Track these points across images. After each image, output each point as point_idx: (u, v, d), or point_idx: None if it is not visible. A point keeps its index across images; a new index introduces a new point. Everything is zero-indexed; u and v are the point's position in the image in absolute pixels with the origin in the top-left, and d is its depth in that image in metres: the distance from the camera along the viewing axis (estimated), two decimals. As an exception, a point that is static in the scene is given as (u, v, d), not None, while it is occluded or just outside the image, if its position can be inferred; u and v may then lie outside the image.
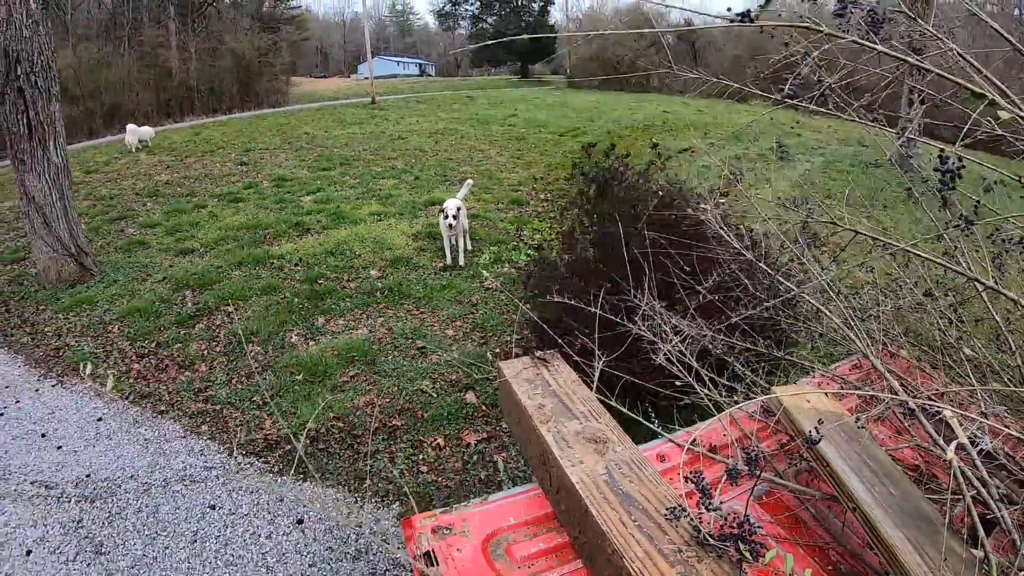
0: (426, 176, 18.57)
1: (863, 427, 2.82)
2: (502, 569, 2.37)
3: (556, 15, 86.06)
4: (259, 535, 6.23)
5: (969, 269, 2.91)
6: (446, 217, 11.81)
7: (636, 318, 3.73)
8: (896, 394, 2.94)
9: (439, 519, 2.50)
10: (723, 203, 4.23)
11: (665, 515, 2.28)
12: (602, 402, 2.93)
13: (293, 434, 7.56)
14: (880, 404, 3.06)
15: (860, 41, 2.47)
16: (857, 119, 2.84)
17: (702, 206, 3.84)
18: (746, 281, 4.07)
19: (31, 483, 7.08)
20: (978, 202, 2.73)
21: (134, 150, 28.04)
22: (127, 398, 8.54)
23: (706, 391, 3.28)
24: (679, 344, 3.45)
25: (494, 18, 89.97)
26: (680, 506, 2.25)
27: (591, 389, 3.04)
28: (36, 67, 11.92)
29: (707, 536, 2.19)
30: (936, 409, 2.55)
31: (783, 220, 4.07)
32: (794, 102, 2.68)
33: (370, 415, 7.82)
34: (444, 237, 12.26)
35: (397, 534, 6.04)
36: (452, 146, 27.13)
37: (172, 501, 6.72)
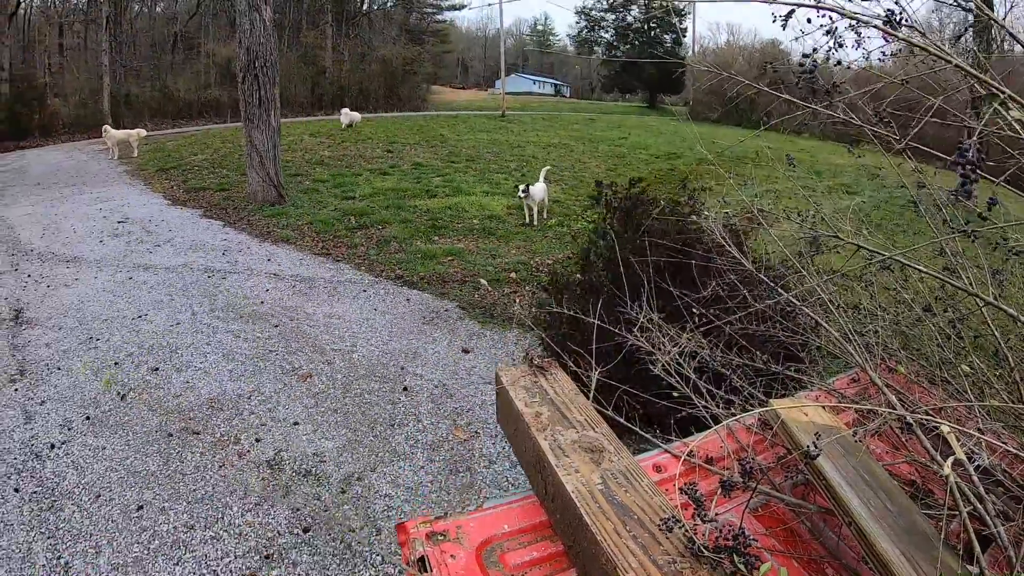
0: (531, 175, 21.40)
1: (860, 441, 2.66)
2: None
3: (692, 48, 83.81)
4: (386, 300, 11.96)
5: (969, 284, 2.77)
6: (520, 190, 16.76)
7: (635, 330, 3.49)
8: (894, 409, 2.79)
9: (433, 525, 2.34)
10: (727, 212, 3.97)
11: (660, 526, 2.12)
12: (599, 412, 2.78)
13: (411, 275, 13.19)
14: (878, 418, 2.88)
15: (880, 27, 2.32)
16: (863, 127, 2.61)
17: (705, 214, 3.58)
18: (744, 291, 3.80)
19: (265, 273, 13.29)
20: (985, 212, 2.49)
21: (344, 127, 35.34)
22: (316, 253, 14.65)
23: (704, 403, 3.08)
24: (677, 356, 3.22)
25: (627, 47, 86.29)
26: (674, 517, 2.09)
27: (588, 398, 2.88)
28: (267, 62, 17.79)
29: (702, 548, 2.02)
30: (934, 424, 2.34)
31: (788, 230, 3.83)
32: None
33: (453, 274, 13.19)
34: (524, 205, 17.07)
35: (451, 309, 11.42)
36: (560, 156, 30.09)
37: (343, 287, 12.56)
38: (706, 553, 2.01)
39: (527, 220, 17.07)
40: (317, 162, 24.71)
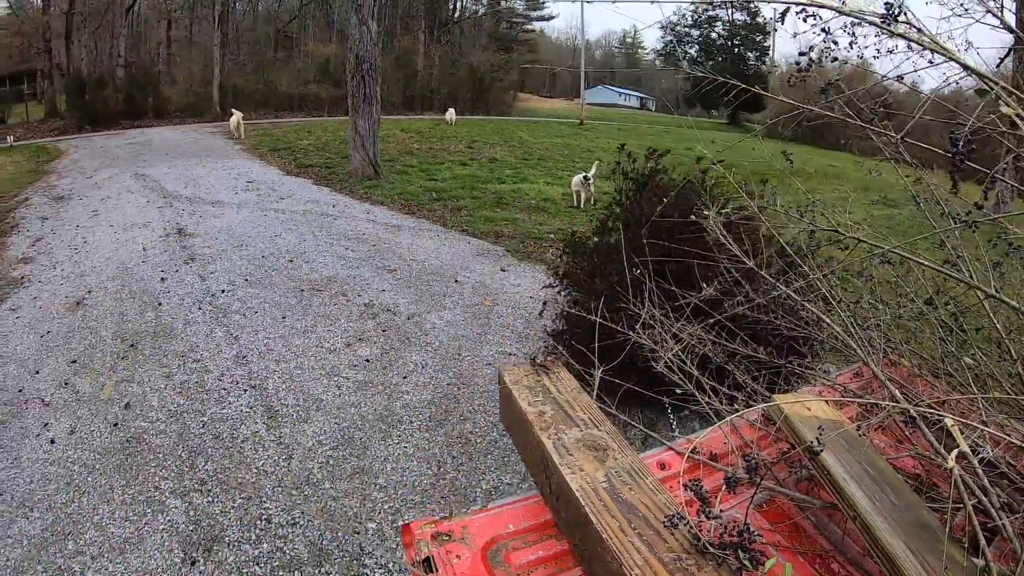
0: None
1: (864, 435, 2.05)
2: None
3: (782, 67, 68.63)
4: (452, 241, 11.70)
5: (971, 277, 2.09)
6: (584, 178, 15.18)
7: (637, 326, 2.70)
8: (897, 402, 2.10)
9: (439, 526, 1.77)
10: (727, 211, 3.07)
11: (664, 523, 1.59)
12: (603, 410, 2.12)
13: (474, 230, 12.74)
14: (881, 412, 2.23)
15: (877, 23, 1.71)
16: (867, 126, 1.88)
17: (704, 212, 2.74)
18: (747, 287, 2.97)
19: (365, 219, 13.06)
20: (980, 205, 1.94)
21: (448, 122, 32.48)
22: (403, 212, 14.00)
23: (707, 399, 2.37)
24: (679, 352, 2.45)
25: (711, 63, 65.88)
26: (679, 514, 1.57)
27: (592, 396, 2.21)
28: (372, 65, 16.63)
29: (707, 544, 1.53)
30: (937, 417, 1.74)
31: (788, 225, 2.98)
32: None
33: (507, 232, 12.47)
34: (573, 192, 15.60)
35: (499, 251, 11.36)
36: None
37: (422, 232, 12.24)
38: (711, 549, 1.52)
39: (575, 203, 15.79)
40: (407, 152, 22.77)
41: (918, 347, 2.65)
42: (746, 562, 1.48)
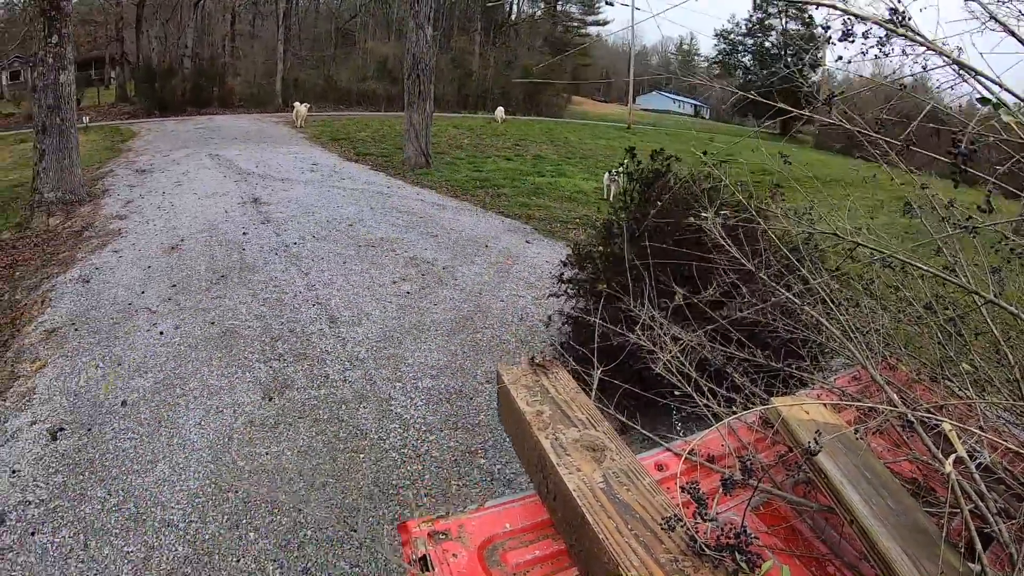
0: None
1: (862, 439, 1.69)
2: (497, 575, 1.41)
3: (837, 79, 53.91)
4: (488, 219, 11.19)
5: (969, 283, 1.75)
6: (609, 172, 14.39)
7: (636, 328, 2.30)
8: (895, 406, 1.79)
9: (435, 524, 1.49)
10: (725, 213, 2.62)
11: (661, 524, 1.32)
12: (601, 410, 1.77)
13: (509, 212, 12.05)
14: (879, 416, 1.87)
15: (884, 24, 1.47)
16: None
17: (703, 215, 2.32)
18: (744, 290, 2.54)
19: (414, 198, 12.48)
20: (987, 205, 1.57)
21: (497, 120, 29.51)
22: (449, 196, 13.20)
23: (705, 401, 2.01)
24: (678, 354, 2.08)
25: (764, 74, 57.15)
26: (676, 515, 1.30)
27: (590, 396, 1.86)
28: (426, 66, 15.42)
29: (703, 546, 1.27)
30: (935, 422, 1.52)
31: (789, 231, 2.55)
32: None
33: (538, 215, 11.75)
34: (604, 186, 14.60)
35: (527, 228, 10.90)
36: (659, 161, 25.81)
37: (463, 211, 11.65)
38: (708, 551, 1.28)
39: (605, 196, 14.60)
40: (457, 147, 21.23)
41: (917, 351, 2.26)
42: (743, 564, 1.25)
